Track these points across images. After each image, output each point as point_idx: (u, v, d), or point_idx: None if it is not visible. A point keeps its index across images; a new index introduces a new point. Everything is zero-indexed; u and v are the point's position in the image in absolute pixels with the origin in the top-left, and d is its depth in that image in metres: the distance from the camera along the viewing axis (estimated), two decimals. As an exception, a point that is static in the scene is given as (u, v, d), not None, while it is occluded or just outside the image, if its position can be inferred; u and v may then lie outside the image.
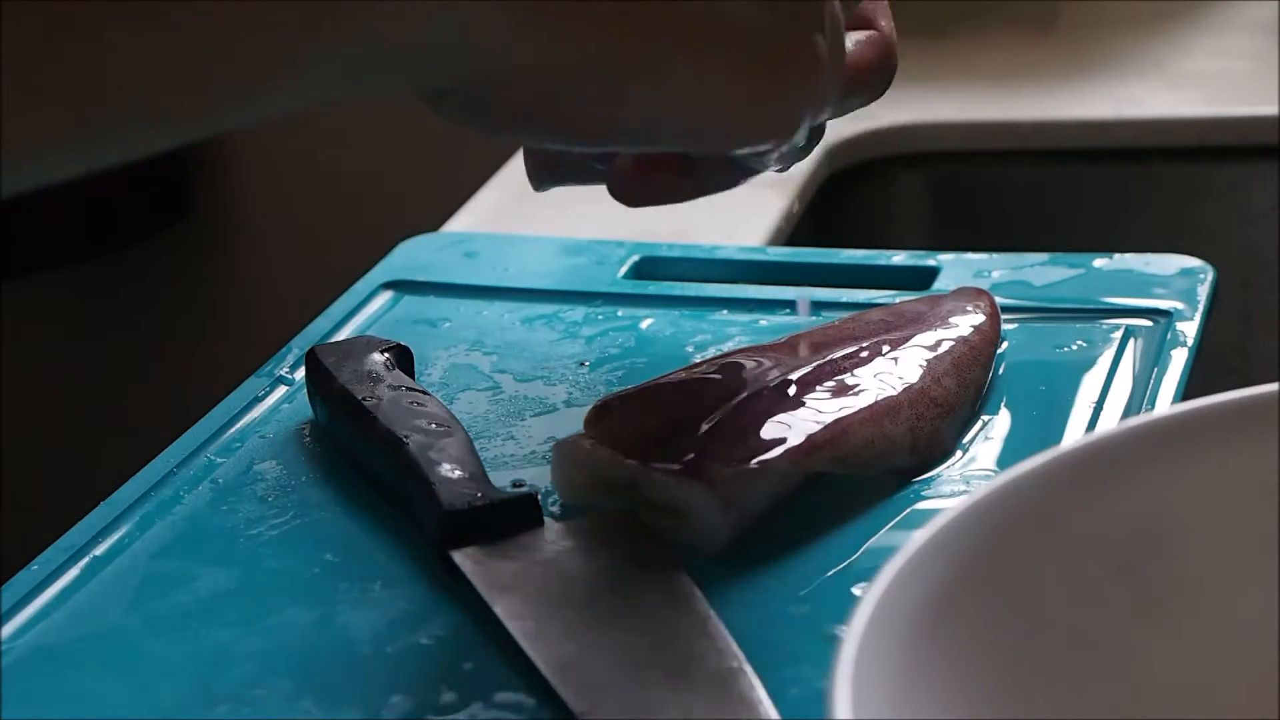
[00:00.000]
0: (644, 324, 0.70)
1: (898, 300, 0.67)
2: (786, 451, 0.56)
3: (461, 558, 0.54)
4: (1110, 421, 0.60)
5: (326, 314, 0.72)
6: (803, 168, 1.00)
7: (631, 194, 0.56)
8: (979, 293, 0.66)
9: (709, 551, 0.54)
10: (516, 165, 1.04)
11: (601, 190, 0.56)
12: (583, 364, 0.67)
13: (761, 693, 0.47)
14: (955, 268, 0.72)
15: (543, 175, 0.60)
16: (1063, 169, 1.05)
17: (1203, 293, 0.68)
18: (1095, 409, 0.61)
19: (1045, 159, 1.05)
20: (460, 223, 0.95)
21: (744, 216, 0.94)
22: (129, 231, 1.79)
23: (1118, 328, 0.66)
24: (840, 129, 1.06)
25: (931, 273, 0.72)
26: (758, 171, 0.55)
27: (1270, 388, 0.45)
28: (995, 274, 0.71)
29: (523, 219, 0.95)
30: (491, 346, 0.69)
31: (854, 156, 1.05)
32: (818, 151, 1.02)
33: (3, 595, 0.55)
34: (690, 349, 0.68)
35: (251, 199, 1.92)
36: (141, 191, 1.81)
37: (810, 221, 0.98)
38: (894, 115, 1.07)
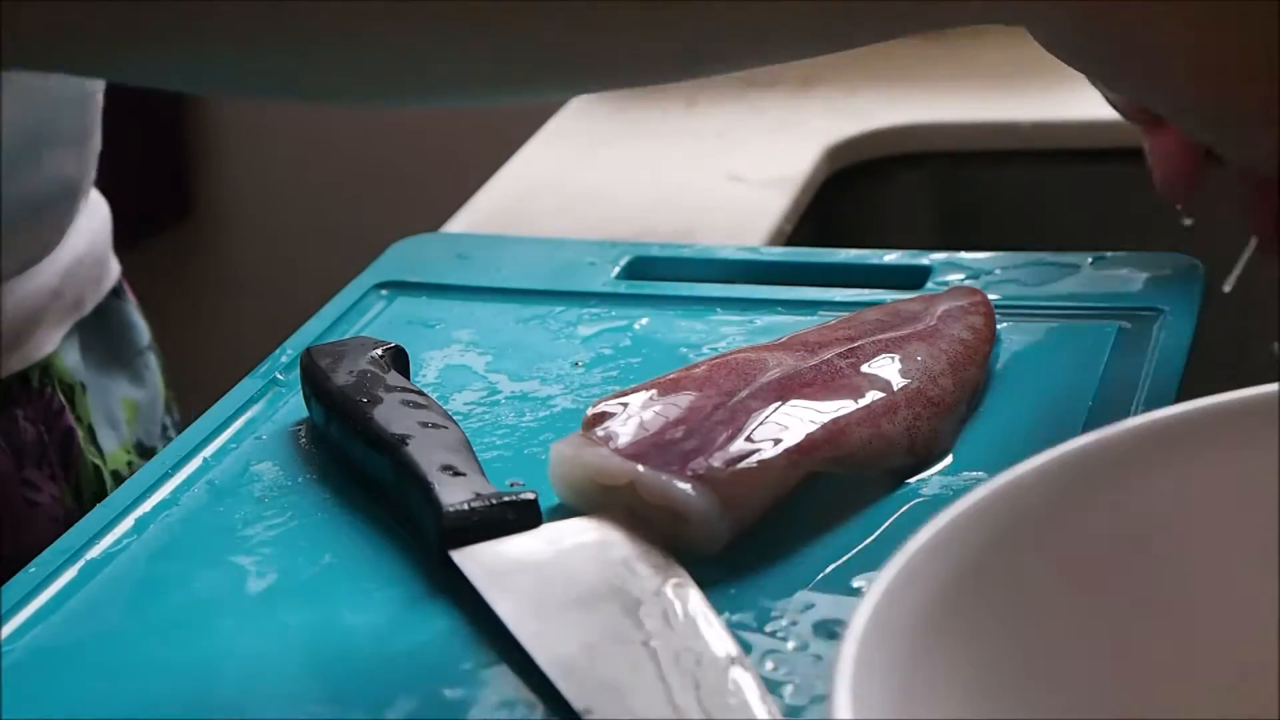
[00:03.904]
0: (639, 324, 0.70)
1: (893, 300, 0.67)
2: (785, 451, 0.56)
3: (461, 557, 0.53)
4: (1108, 421, 0.60)
5: (320, 315, 0.72)
6: (802, 167, 1.00)
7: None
8: (974, 292, 0.66)
9: (708, 551, 0.54)
10: (516, 166, 1.04)
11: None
12: (577, 364, 0.67)
13: (761, 692, 0.47)
14: (948, 266, 0.72)
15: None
16: (1062, 169, 1.05)
17: (1198, 292, 0.68)
18: (1091, 409, 0.61)
19: (1045, 159, 1.05)
20: (459, 224, 0.95)
21: (744, 217, 0.94)
22: (127, 232, 1.79)
23: (1113, 327, 0.66)
24: (840, 129, 1.06)
25: (924, 271, 0.72)
26: None
27: (1270, 388, 0.45)
28: (990, 273, 0.71)
29: (521, 221, 0.95)
30: (486, 347, 0.69)
31: (854, 156, 1.05)
32: (818, 152, 1.02)
33: (3, 596, 0.55)
34: (685, 349, 0.68)
35: (250, 200, 1.92)
36: (140, 192, 1.81)
37: (810, 221, 0.98)
38: (894, 115, 1.07)
